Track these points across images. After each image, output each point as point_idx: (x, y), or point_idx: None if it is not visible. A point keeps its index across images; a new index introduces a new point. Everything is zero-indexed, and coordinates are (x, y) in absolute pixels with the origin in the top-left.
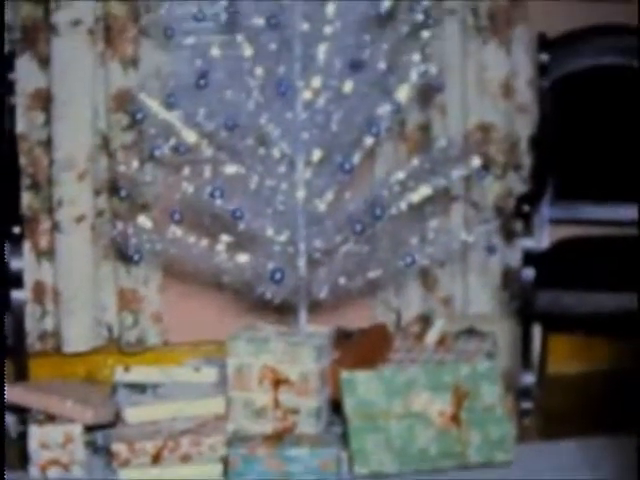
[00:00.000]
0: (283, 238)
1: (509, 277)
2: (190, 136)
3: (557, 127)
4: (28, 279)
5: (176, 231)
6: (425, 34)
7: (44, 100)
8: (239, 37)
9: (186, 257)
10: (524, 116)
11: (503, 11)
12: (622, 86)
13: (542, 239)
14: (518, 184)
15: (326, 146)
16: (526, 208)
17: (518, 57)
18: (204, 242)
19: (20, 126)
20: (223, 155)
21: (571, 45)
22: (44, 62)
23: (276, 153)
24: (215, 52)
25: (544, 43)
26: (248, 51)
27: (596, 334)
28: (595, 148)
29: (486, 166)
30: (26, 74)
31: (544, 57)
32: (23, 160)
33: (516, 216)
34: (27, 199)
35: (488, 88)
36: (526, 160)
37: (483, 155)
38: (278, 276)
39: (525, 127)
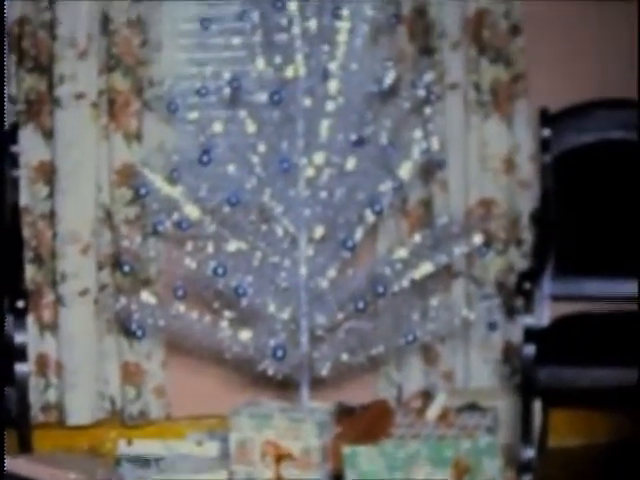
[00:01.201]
0: (285, 315)
1: (510, 352)
2: (193, 212)
3: (558, 202)
4: (31, 351)
5: (179, 307)
6: (427, 110)
7: (48, 173)
8: (242, 113)
9: (189, 333)
10: (526, 191)
11: (505, 85)
12: (623, 161)
13: (543, 314)
14: (519, 259)
15: (328, 223)
16: (527, 285)
17: (520, 132)
18: (207, 318)
19: (24, 199)
20: (226, 231)
21: (573, 120)
22: (48, 135)
23: (279, 230)
24: (218, 128)
25: (546, 118)
26: (251, 127)
27: (596, 408)
28: (596, 223)
29: (487, 242)
30: (30, 146)
31: (546, 132)
32: (26, 233)
33: (517, 293)
34: (30, 272)
35: (490, 163)
36: (527, 235)
37: (484, 231)
38: (280, 353)
39: (526, 202)
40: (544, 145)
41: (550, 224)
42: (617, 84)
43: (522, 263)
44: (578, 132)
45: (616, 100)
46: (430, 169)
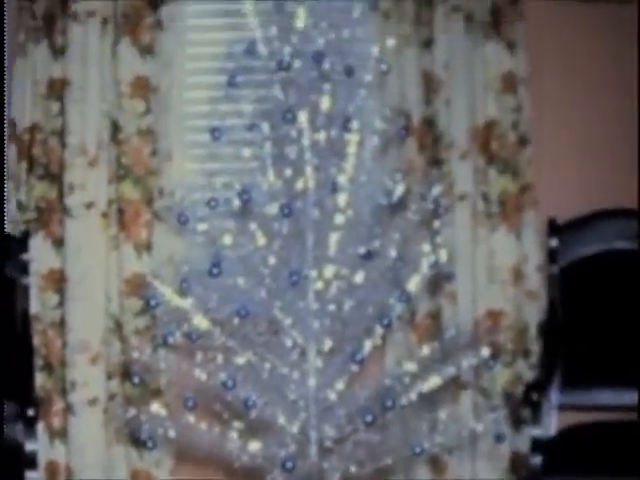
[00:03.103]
0: (295, 426)
1: (517, 462)
2: (202, 323)
3: (566, 313)
4: (41, 458)
5: (189, 417)
6: (436, 223)
7: (57, 281)
8: (252, 225)
9: (199, 443)
10: (533, 302)
11: (513, 196)
12: (631, 271)
13: (550, 425)
14: (527, 370)
15: (337, 336)
16: (535, 397)
17: (528, 243)
18: (216, 428)
19: (34, 307)
20: (235, 343)
21: (580, 230)
22: (58, 243)
23: (288, 342)
24: (228, 240)
25: (554, 228)
26: (261, 240)
27: None
28: (603, 333)
29: (495, 354)
30: (40, 254)
31: (554, 242)
32: (37, 341)
33: (525, 404)
34: (40, 380)
35: (498, 275)
36: (535, 346)
37: (492, 343)
38: (290, 464)
39: (534, 313)
40: (552, 255)
41: (557, 335)
42: (625, 192)
43: (529, 374)
44: (585, 242)
45: (621, 210)
46: (438, 281)
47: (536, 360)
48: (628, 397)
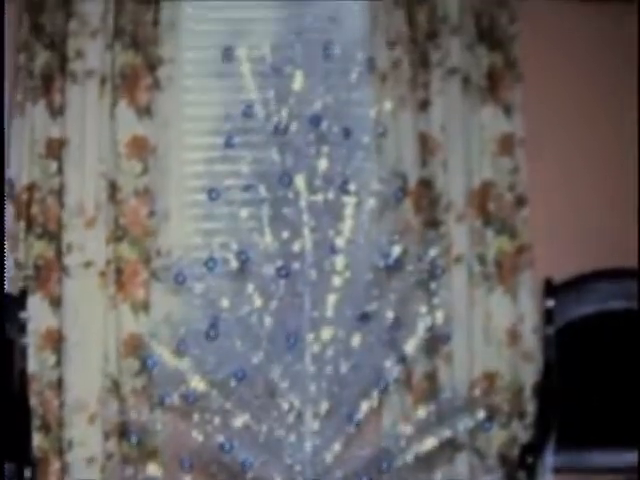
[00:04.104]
0: None
1: None
2: (199, 385)
3: (561, 374)
4: None
5: (186, 479)
6: (433, 285)
7: (55, 341)
8: (249, 286)
9: None
10: (529, 363)
11: (510, 257)
12: (625, 331)
13: None
14: (522, 431)
15: (334, 398)
16: (530, 459)
17: (524, 303)
18: None
19: (31, 366)
20: (232, 405)
21: (577, 290)
22: (56, 302)
23: (284, 404)
24: (225, 302)
25: (550, 289)
26: (258, 301)
27: None
28: (599, 394)
29: (491, 416)
30: (37, 313)
31: (550, 303)
32: (34, 400)
33: (520, 466)
34: (37, 440)
35: (494, 336)
36: (531, 407)
37: (488, 405)
38: None
39: (530, 374)
40: (548, 316)
41: (553, 396)
42: (623, 252)
43: (525, 435)
44: (582, 302)
45: (618, 270)
46: (435, 343)
47: (532, 421)
48: (626, 458)
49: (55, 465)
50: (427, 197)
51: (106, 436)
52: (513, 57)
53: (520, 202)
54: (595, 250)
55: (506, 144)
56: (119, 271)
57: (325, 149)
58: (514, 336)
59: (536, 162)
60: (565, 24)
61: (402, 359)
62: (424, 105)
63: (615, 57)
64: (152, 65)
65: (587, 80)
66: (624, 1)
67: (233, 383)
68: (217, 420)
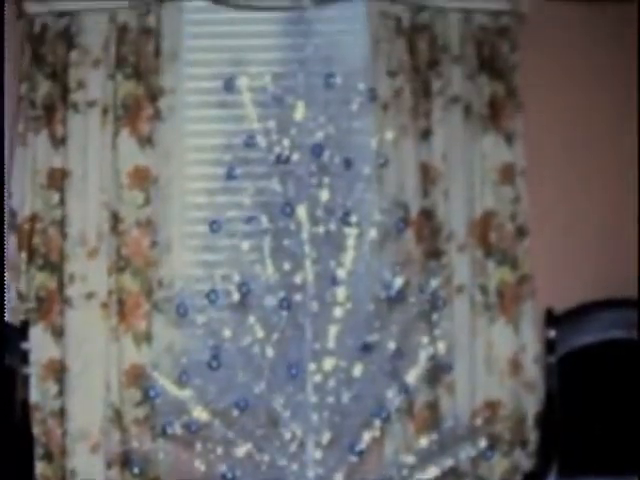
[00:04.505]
0: None
1: None
2: (202, 414)
3: (563, 403)
4: None
5: None
6: (434, 316)
7: (57, 371)
8: (251, 318)
9: None
10: (531, 392)
11: (511, 287)
12: (626, 360)
13: None
14: (524, 460)
15: (336, 428)
16: None
17: (526, 333)
18: None
19: (34, 396)
20: (234, 434)
21: (578, 320)
22: (58, 333)
23: (287, 434)
24: (227, 333)
25: (551, 319)
26: (260, 332)
27: None
28: (600, 422)
29: (493, 445)
30: (40, 344)
31: (551, 333)
32: (36, 430)
33: None
34: (40, 468)
35: (495, 365)
36: (532, 435)
37: (490, 434)
38: None
39: (532, 403)
40: (549, 346)
41: (554, 425)
42: (624, 282)
43: (527, 463)
44: (583, 332)
45: (619, 300)
46: (437, 373)
47: (534, 450)
48: None
49: None
50: (428, 227)
51: (108, 465)
52: (514, 86)
53: (521, 232)
54: (596, 280)
55: (507, 173)
56: (121, 302)
57: (326, 180)
58: (516, 365)
59: (537, 191)
60: (565, 52)
61: (404, 389)
62: (425, 134)
63: (617, 86)
64: (153, 95)
65: (588, 108)
66: (625, 27)
67: (235, 413)
68: (219, 450)
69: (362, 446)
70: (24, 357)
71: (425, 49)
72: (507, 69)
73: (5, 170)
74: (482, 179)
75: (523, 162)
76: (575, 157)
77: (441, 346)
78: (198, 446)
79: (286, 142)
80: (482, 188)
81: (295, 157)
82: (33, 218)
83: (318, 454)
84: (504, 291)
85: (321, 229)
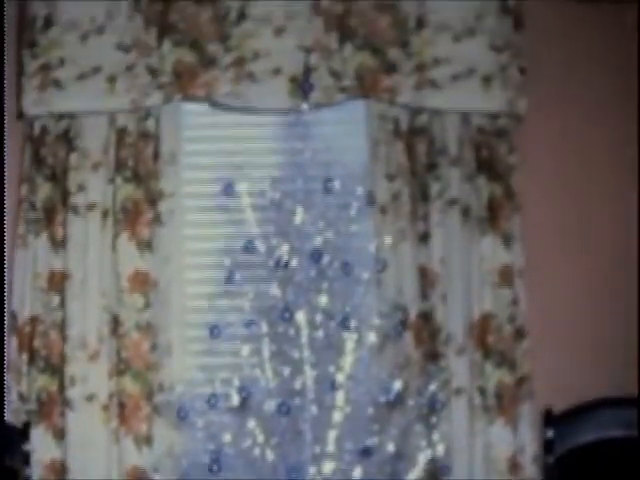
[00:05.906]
0: None
1: None
2: None
3: None
4: None
5: None
6: (433, 419)
7: (59, 472)
8: (251, 422)
9: None
10: None
11: (510, 389)
12: (626, 458)
13: None
14: None
15: None
16: None
17: (524, 434)
18: None
19: None
20: None
21: (577, 419)
22: (59, 435)
23: None
24: (227, 437)
25: (550, 419)
26: (260, 437)
27: None
28: None
29: None
30: (41, 445)
31: (550, 433)
32: None
33: None
34: None
35: (494, 466)
36: None
37: None
38: None
39: None
40: (548, 446)
41: None
42: (623, 380)
43: None
44: (582, 431)
45: (618, 398)
46: (435, 475)
47: None
48: None
49: None
50: (427, 330)
51: None
52: (512, 187)
53: (520, 334)
54: (595, 379)
55: (506, 275)
56: (122, 405)
57: (325, 285)
58: (514, 466)
59: (535, 291)
60: (560, 153)
61: None
62: (424, 237)
63: (614, 192)
64: (153, 199)
65: (586, 209)
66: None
67: None
68: None
69: None
70: (26, 458)
71: (423, 152)
72: (505, 170)
73: (6, 272)
74: (480, 281)
75: (521, 263)
76: (574, 258)
77: (440, 448)
78: None
79: (285, 247)
80: (480, 290)
81: (294, 262)
82: (34, 320)
83: None
84: (503, 392)
85: (320, 333)
